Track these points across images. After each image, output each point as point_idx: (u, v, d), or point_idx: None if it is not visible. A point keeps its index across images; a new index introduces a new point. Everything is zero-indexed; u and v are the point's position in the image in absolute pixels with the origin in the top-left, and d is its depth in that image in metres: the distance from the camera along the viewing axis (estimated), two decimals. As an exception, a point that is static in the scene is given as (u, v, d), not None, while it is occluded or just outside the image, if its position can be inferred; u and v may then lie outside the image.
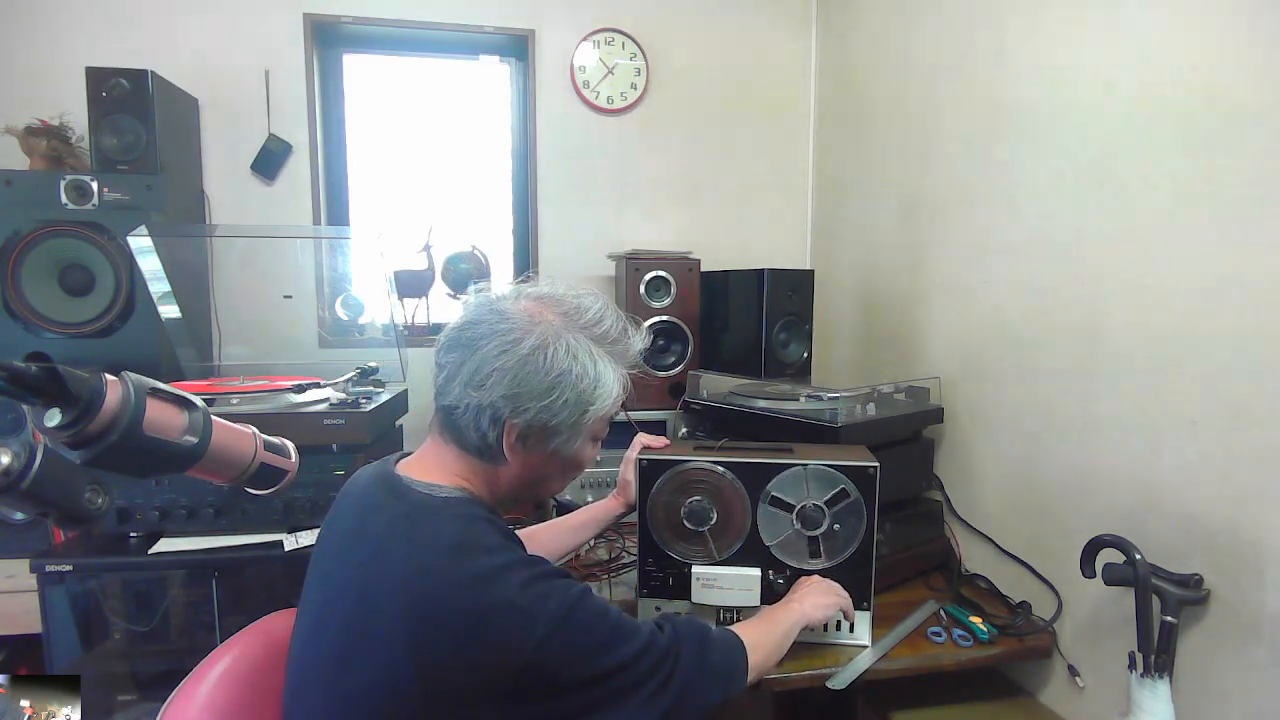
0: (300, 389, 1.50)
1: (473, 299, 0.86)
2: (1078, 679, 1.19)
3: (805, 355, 1.84)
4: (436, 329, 2.13)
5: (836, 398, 1.40)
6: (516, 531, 1.22)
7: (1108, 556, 1.03)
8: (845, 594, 1.12)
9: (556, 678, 0.74)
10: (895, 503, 1.44)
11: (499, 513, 0.86)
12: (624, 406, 1.82)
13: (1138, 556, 0.98)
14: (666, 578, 1.18)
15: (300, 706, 0.79)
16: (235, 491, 1.33)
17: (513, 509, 1.67)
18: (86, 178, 1.62)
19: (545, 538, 1.24)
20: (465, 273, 2.10)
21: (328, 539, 0.86)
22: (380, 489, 0.83)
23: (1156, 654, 0.97)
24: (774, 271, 1.77)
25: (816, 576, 1.14)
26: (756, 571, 1.15)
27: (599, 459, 1.76)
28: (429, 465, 0.85)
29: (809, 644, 1.16)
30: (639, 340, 0.89)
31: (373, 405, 1.47)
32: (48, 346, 1.59)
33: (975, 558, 1.47)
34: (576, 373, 0.80)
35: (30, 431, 1.55)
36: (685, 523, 1.15)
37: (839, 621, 1.15)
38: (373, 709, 0.71)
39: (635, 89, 2.17)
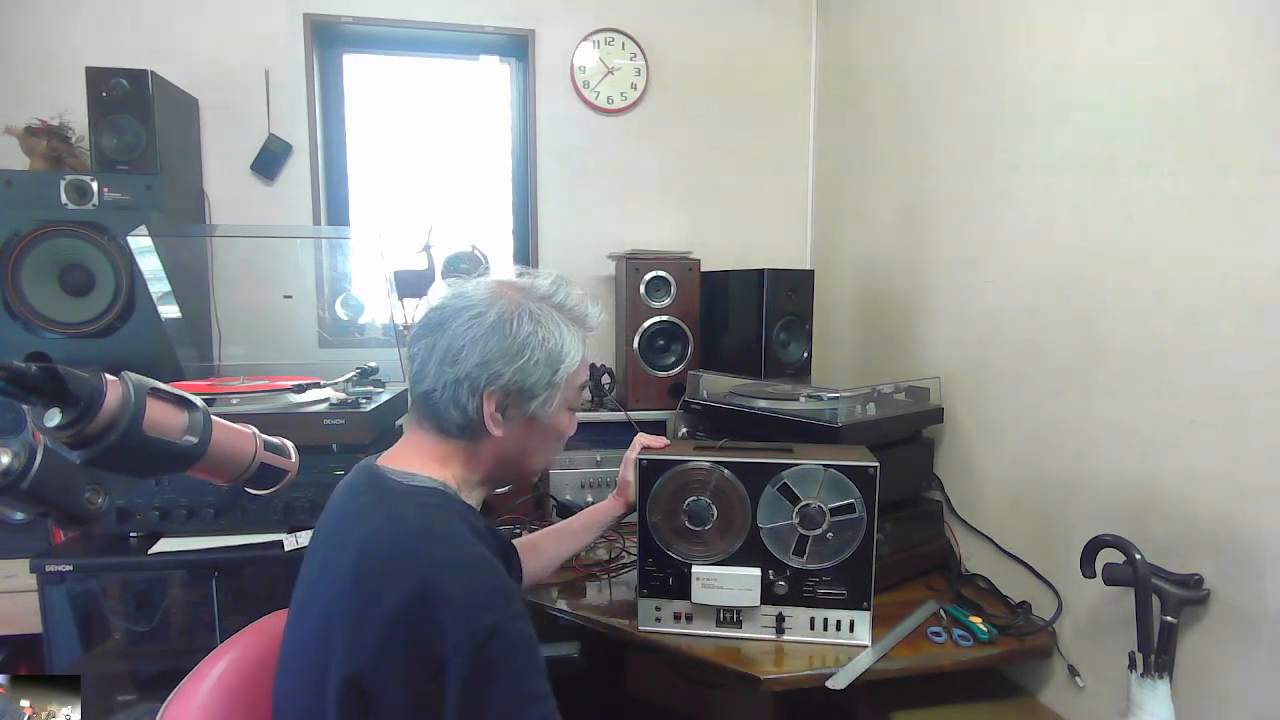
0: (300, 389, 1.50)
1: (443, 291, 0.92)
2: (1078, 679, 1.19)
3: (805, 355, 1.84)
4: (436, 329, 2.12)
5: (836, 398, 1.40)
6: (520, 538, 1.23)
7: (1108, 556, 1.03)
8: None
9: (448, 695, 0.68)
10: (895, 503, 1.44)
11: (475, 509, 0.87)
12: (623, 406, 1.83)
13: (1138, 556, 0.98)
14: (666, 578, 1.18)
15: (280, 698, 0.80)
16: (235, 491, 1.33)
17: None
18: (86, 178, 1.62)
19: (547, 544, 1.24)
20: (465, 273, 2.10)
21: (314, 537, 0.88)
22: (361, 481, 0.85)
23: (1156, 654, 0.97)
24: (774, 271, 1.77)
25: None
26: (756, 571, 1.15)
27: (599, 459, 1.79)
28: (407, 455, 0.87)
29: (809, 644, 1.16)
30: (596, 310, 0.94)
31: (373, 405, 1.47)
32: (48, 346, 1.59)
33: (975, 558, 1.47)
34: (542, 335, 0.84)
35: (30, 431, 1.55)
36: (685, 523, 1.15)
37: (839, 621, 1.16)
38: (309, 691, 0.73)
39: (635, 89, 2.17)
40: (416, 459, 0.86)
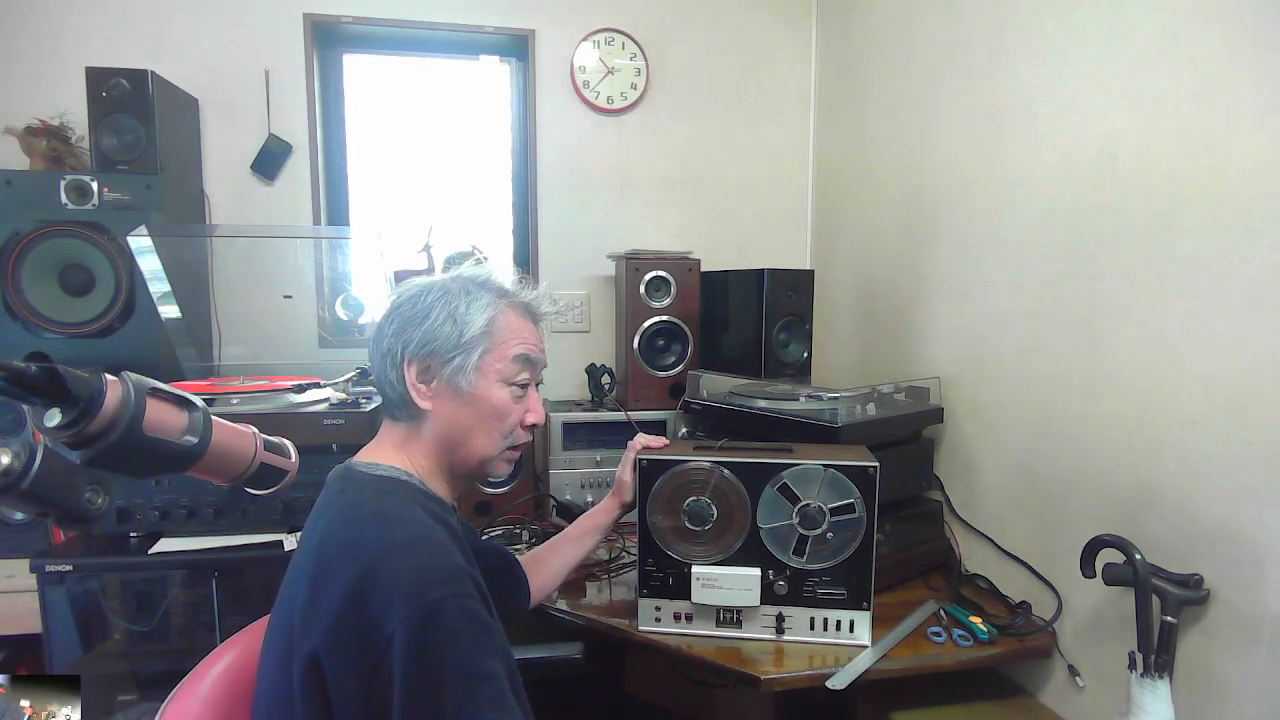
0: (300, 389, 1.50)
1: None
2: (1078, 679, 1.19)
3: (805, 355, 1.84)
4: (436, 329, 2.12)
5: (836, 398, 1.40)
6: (522, 555, 1.23)
7: (1108, 556, 1.03)
8: None
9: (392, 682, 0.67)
10: (895, 503, 1.44)
11: (445, 501, 0.90)
12: (623, 406, 1.83)
13: (1138, 556, 0.98)
14: (666, 578, 1.18)
15: (259, 691, 0.81)
16: (235, 491, 1.33)
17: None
18: (86, 178, 1.62)
19: (549, 555, 1.24)
20: (465, 273, 2.10)
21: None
22: (334, 478, 0.89)
23: (1156, 654, 0.97)
24: (774, 271, 1.77)
25: None
26: (756, 571, 1.15)
27: (599, 459, 1.79)
28: (373, 448, 0.91)
29: (809, 644, 1.16)
30: (532, 292, 0.96)
31: (372, 405, 1.47)
32: (48, 346, 1.59)
33: (975, 558, 1.47)
34: (448, 299, 0.89)
35: (30, 431, 1.55)
36: (685, 523, 1.15)
37: (839, 621, 1.16)
38: (279, 679, 0.74)
39: (635, 89, 2.17)
40: (380, 450, 0.90)
